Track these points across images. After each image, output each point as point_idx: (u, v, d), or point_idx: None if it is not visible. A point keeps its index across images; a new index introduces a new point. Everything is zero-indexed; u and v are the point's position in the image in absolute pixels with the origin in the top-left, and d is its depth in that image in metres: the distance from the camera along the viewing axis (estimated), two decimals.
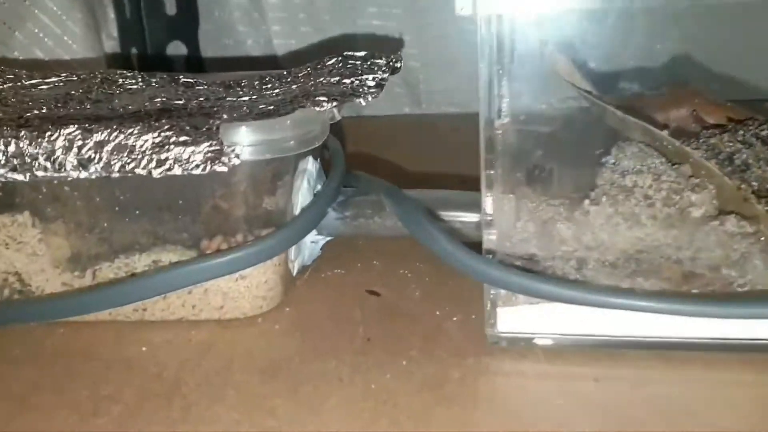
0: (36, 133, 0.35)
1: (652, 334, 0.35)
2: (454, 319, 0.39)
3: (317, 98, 0.39)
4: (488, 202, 0.36)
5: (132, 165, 0.35)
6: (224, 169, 0.34)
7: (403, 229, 0.40)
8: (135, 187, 0.38)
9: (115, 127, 0.35)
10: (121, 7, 0.72)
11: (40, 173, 0.35)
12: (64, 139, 0.35)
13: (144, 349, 0.38)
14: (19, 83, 0.47)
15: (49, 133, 0.35)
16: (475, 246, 0.36)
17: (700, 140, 0.40)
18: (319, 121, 0.38)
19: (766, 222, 0.35)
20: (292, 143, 0.37)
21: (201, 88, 0.46)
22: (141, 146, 0.35)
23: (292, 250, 0.41)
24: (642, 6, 0.37)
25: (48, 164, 0.35)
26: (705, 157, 0.38)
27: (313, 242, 0.44)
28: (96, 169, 0.35)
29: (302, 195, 0.41)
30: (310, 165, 0.42)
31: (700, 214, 0.36)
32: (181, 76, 0.48)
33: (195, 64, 0.76)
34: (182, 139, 0.35)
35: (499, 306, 0.36)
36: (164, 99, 0.43)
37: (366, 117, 0.72)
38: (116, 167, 0.35)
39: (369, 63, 0.45)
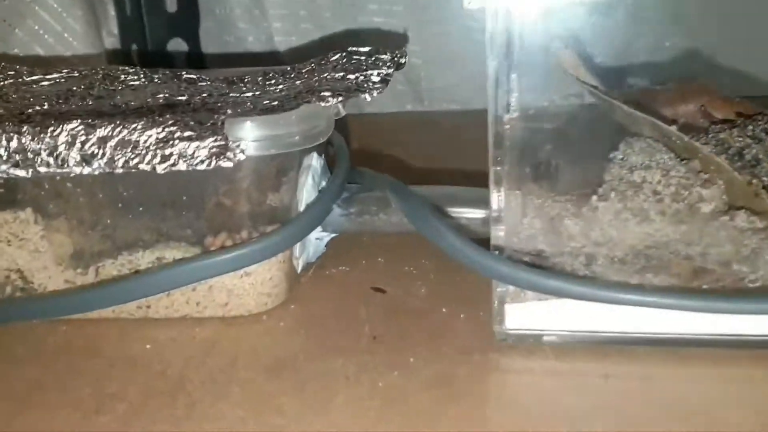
0: (38, 128, 0.35)
1: (662, 331, 0.34)
2: (461, 316, 0.38)
3: (322, 93, 0.39)
4: (496, 198, 0.35)
5: (136, 161, 0.34)
6: (229, 164, 0.34)
7: (408, 226, 0.40)
8: (138, 183, 0.37)
9: (118, 122, 0.35)
10: (122, 4, 0.72)
11: (42, 169, 0.35)
12: (67, 135, 0.35)
13: (148, 346, 0.37)
14: (20, 79, 0.47)
15: (51, 129, 0.35)
16: (481, 242, 0.36)
17: (709, 135, 0.40)
18: (324, 116, 0.38)
19: None
20: (298, 138, 0.36)
21: (204, 84, 0.46)
22: (145, 142, 0.34)
23: (297, 247, 0.41)
24: None
25: (51, 160, 0.35)
26: (714, 152, 0.38)
27: (317, 239, 0.43)
28: (99, 164, 0.35)
29: (307, 191, 0.41)
30: (315, 161, 0.42)
31: (709, 209, 0.36)
32: (183, 72, 0.47)
33: (196, 61, 0.76)
34: (187, 134, 0.34)
35: (507, 303, 0.35)
36: (167, 95, 0.43)
37: (368, 114, 0.72)
38: (120, 163, 0.34)
39: (373, 58, 0.44)
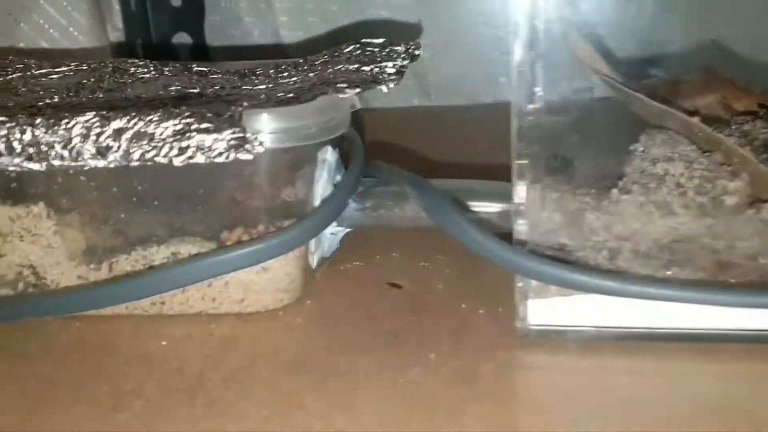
0: (52, 120, 0.34)
1: (689, 326, 0.33)
2: (481, 311, 0.38)
3: (338, 85, 0.38)
4: (519, 192, 0.35)
5: (152, 153, 0.34)
6: (249, 156, 0.33)
7: (423, 220, 0.39)
8: (153, 177, 0.36)
9: (134, 114, 0.34)
10: None
11: (56, 162, 0.34)
12: (81, 127, 0.34)
13: (164, 343, 0.36)
14: (28, 72, 0.46)
15: (65, 121, 0.34)
16: (500, 237, 0.35)
17: (732, 127, 0.39)
18: (342, 108, 0.37)
19: None
20: (315, 131, 0.36)
21: (215, 76, 0.45)
22: (161, 134, 0.34)
23: (312, 242, 0.40)
24: None
25: (65, 153, 0.34)
26: (738, 144, 0.37)
27: (332, 234, 0.43)
28: (115, 157, 0.34)
29: (322, 186, 0.40)
30: (330, 155, 0.41)
31: (734, 202, 0.35)
32: (194, 65, 0.47)
33: (201, 56, 0.75)
34: (204, 126, 0.33)
35: (529, 298, 0.35)
36: (179, 87, 0.42)
37: (374, 109, 0.71)
38: (136, 156, 0.34)
39: (387, 50, 0.44)
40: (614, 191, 0.36)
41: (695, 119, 0.39)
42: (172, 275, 0.37)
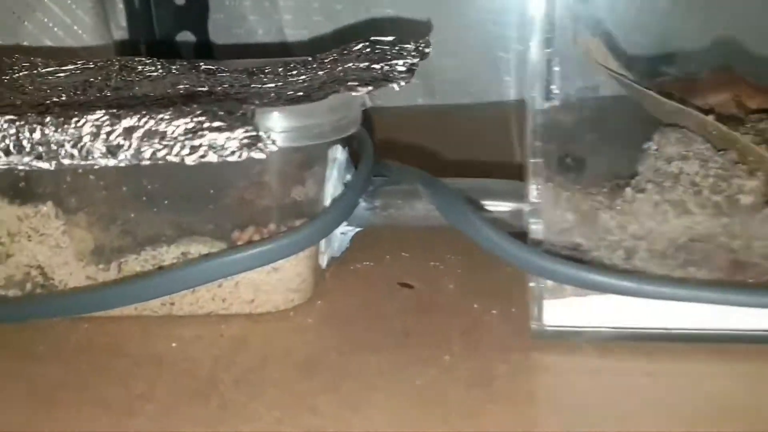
0: (62, 119, 0.34)
1: (707, 327, 0.33)
2: (493, 312, 0.37)
3: (349, 83, 0.38)
4: (533, 191, 0.34)
5: (164, 152, 0.33)
6: (262, 155, 0.33)
7: (435, 219, 0.39)
8: (163, 176, 0.36)
9: (144, 112, 0.34)
10: None
11: (66, 161, 0.34)
12: (91, 126, 0.33)
13: (174, 345, 0.36)
14: (34, 71, 0.46)
15: (75, 119, 0.34)
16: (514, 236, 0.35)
17: (747, 125, 0.39)
18: (353, 106, 0.37)
19: None
20: (327, 129, 0.35)
21: (223, 75, 0.44)
22: (172, 132, 0.33)
23: (323, 242, 0.40)
24: None
25: (75, 152, 0.33)
26: (754, 143, 0.37)
27: (342, 233, 0.42)
28: (125, 156, 0.33)
29: (333, 185, 0.40)
30: (340, 154, 0.41)
31: (750, 201, 0.35)
32: (201, 63, 0.46)
33: (205, 54, 0.75)
34: (216, 124, 0.33)
35: (545, 298, 0.34)
36: (187, 86, 0.42)
37: (378, 108, 0.70)
38: (147, 154, 0.33)
39: (397, 48, 0.43)
40: (628, 190, 0.36)
41: (710, 117, 0.38)
42: (182, 276, 0.36)
